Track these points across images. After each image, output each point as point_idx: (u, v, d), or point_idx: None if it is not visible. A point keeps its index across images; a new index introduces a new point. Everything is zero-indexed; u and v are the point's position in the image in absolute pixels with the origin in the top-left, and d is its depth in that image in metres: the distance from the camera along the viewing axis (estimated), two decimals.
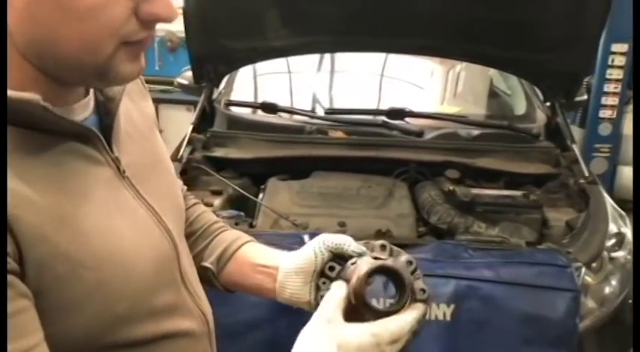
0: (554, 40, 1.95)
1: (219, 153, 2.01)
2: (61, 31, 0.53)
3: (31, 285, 0.52)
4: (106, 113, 0.64)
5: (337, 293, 0.66)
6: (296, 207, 1.74)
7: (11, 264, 0.51)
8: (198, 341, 0.71)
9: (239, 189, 1.82)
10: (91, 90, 0.64)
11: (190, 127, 2.07)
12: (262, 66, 2.49)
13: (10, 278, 0.50)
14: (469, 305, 1.31)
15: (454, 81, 2.82)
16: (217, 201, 1.81)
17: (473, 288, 1.32)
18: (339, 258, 0.75)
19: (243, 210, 1.78)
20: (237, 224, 1.66)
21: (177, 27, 6.73)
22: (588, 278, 1.44)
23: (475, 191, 1.80)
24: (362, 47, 2.20)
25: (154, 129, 0.75)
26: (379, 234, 1.58)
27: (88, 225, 0.57)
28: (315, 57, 2.61)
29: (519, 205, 1.74)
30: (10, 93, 0.53)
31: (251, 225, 1.69)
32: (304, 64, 2.61)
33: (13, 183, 0.52)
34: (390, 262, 0.68)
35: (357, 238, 1.48)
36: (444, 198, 1.77)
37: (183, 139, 2.01)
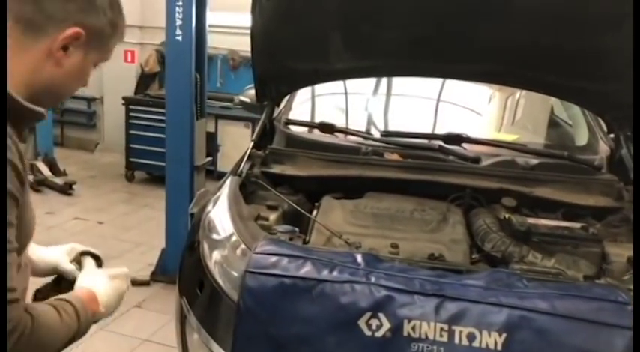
0: (620, 70, 1.91)
1: (276, 169, 2.08)
2: (69, 81, 1.03)
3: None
4: None
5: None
6: (349, 226, 1.77)
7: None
8: None
9: (294, 205, 1.87)
10: None
11: (251, 144, 2.15)
12: (320, 87, 2.56)
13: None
14: (521, 336, 1.29)
15: (512, 108, 2.79)
16: (273, 216, 1.86)
17: (526, 319, 1.30)
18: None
19: (297, 226, 1.82)
20: (291, 239, 1.71)
21: (239, 46, 6.95)
22: None
23: (531, 220, 1.77)
24: (422, 72, 2.23)
25: None
26: (432, 258, 1.59)
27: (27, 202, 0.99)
28: (372, 79, 2.66)
29: (578, 238, 1.70)
30: (32, 107, 0.95)
31: (304, 242, 1.73)
32: (361, 86, 2.66)
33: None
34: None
35: (409, 261, 1.50)
36: (498, 225, 1.76)
37: (244, 155, 2.09)
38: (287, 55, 2.09)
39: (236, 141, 5.67)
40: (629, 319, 1.30)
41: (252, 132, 5.72)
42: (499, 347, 1.28)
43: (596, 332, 1.28)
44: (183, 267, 1.87)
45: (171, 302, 3.27)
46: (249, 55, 6.54)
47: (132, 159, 5.79)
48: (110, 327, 3.10)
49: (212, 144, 5.51)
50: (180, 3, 3.20)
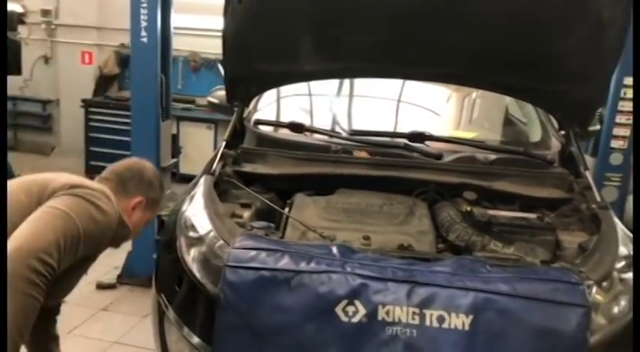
0: (571, 72, 2.07)
1: (248, 168, 2.13)
2: (134, 229, 1.97)
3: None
4: None
5: None
6: (322, 221, 1.84)
7: None
8: None
9: (268, 202, 1.93)
10: None
11: (223, 143, 2.19)
12: (286, 88, 2.62)
13: None
14: (486, 317, 1.40)
15: (470, 107, 2.93)
16: (247, 214, 1.92)
17: (490, 301, 1.41)
18: None
19: (270, 223, 1.88)
20: (267, 234, 1.77)
21: (200, 48, 6.92)
22: (599, 297, 1.52)
23: (491, 212, 1.89)
24: (388, 74, 2.33)
25: None
26: (401, 248, 1.68)
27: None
28: (336, 80, 2.74)
29: (534, 227, 1.83)
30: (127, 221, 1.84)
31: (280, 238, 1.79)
32: (325, 87, 2.74)
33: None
34: None
35: (381, 251, 1.59)
36: (461, 217, 1.86)
37: (216, 154, 2.13)
38: (258, 57, 2.14)
39: (198, 143, 5.66)
40: (581, 297, 1.43)
41: (215, 133, 5.76)
42: (466, 328, 1.38)
43: (552, 310, 1.41)
44: (159, 265, 1.89)
45: (139, 303, 3.30)
46: (210, 56, 6.55)
47: (92, 163, 5.69)
48: (77, 331, 3.07)
49: (174, 146, 5.47)
50: (145, 4, 3.20)
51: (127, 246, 3.66)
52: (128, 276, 3.62)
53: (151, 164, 1.95)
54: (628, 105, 3.34)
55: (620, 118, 3.36)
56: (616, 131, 3.39)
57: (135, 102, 3.43)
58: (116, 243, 1.84)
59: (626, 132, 3.36)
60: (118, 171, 1.85)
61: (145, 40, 3.25)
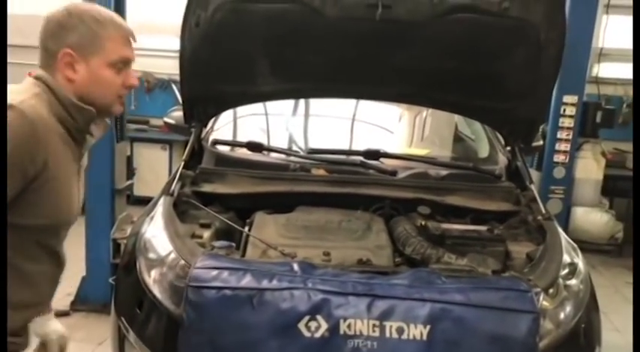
0: (513, 91, 2.20)
1: (207, 188, 2.14)
2: (94, 89, 1.32)
3: (35, 179, 1.22)
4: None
5: None
6: (282, 239, 1.87)
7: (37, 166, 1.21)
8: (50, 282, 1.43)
9: (228, 222, 1.94)
10: None
11: (181, 164, 2.20)
12: (243, 108, 2.65)
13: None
14: (443, 326, 1.45)
15: (421, 125, 3.04)
16: (207, 234, 1.92)
17: (446, 311, 1.47)
18: None
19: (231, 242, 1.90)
20: (228, 254, 1.78)
21: (153, 68, 6.83)
22: (546, 303, 1.61)
23: (445, 225, 1.97)
24: (342, 94, 2.40)
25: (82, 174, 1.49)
26: (360, 263, 1.73)
27: (66, 184, 1.32)
28: (293, 100, 2.80)
29: (485, 239, 1.91)
30: (78, 102, 1.29)
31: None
32: (282, 106, 2.79)
33: (52, 148, 1.24)
34: None
35: (341, 267, 1.63)
36: (416, 231, 1.93)
37: (175, 175, 2.13)
38: (215, 78, 2.17)
39: (153, 164, 5.57)
40: (531, 304, 1.52)
41: (170, 154, 5.69)
42: (424, 338, 1.44)
43: (504, 317, 1.48)
44: (119, 289, 1.87)
45: (95, 330, 3.21)
46: (163, 77, 6.51)
47: None
48: None
49: (128, 167, 5.38)
50: None
51: (80, 271, 3.55)
52: (82, 303, 3.51)
53: (72, 4, 1.34)
54: (567, 122, 3.54)
55: (561, 134, 3.56)
56: (558, 146, 3.58)
57: None
58: (81, 130, 1.32)
59: (567, 147, 3.55)
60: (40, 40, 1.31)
61: None
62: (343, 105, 2.78)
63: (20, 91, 1.24)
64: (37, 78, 1.28)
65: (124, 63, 1.33)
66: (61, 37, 1.27)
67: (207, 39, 1.97)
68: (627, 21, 5.34)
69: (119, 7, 3.32)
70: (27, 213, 1.23)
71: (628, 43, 5.32)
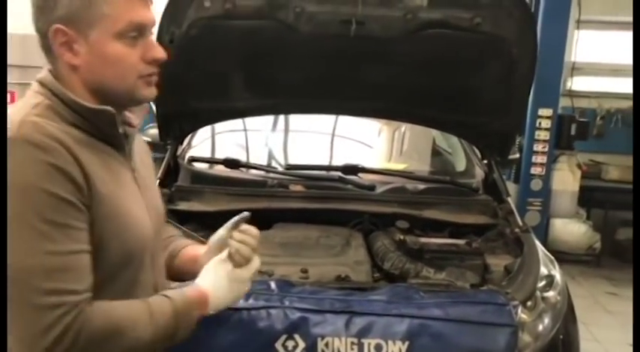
0: (488, 105, 2.22)
1: (183, 206, 2.11)
2: (104, 72, 0.97)
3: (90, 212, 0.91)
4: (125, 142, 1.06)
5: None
6: (260, 256, 1.85)
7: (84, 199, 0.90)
8: None
9: (203, 240, 1.90)
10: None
11: (157, 182, 2.16)
12: (220, 124, 2.63)
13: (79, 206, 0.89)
14: (422, 342, 1.44)
15: (400, 140, 3.06)
16: None
17: (425, 326, 1.46)
18: None
19: None
20: None
21: None
22: (524, 316, 1.61)
23: (423, 240, 1.97)
24: (318, 110, 2.41)
25: (152, 170, 1.19)
26: (339, 279, 1.71)
27: (123, 200, 0.98)
28: (271, 116, 2.79)
29: (463, 252, 1.92)
30: (90, 105, 0.96)
31: None
32: (260, 122, 2.78)
33: (85, 162, 0.91)
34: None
35: (319, 284, 1.61)
36: (395, 246, 1.93)
37: None
38: (190, 95, 2.15)
39: None
40: (509, 317, 1.51)
41: None
42: None
43: (483, 331, 1.47)
44: None
45: None
46: None
47: None
48: None
49: None
50: None
51: None
52: None
53: None
54: (543, 135, 3.60)
55: (537, 147, 3.61)
56: (534, 159, 3.64)
57: None
58: (109, 134, 1.00)
59: (543, 159, 3.61)
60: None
61: None
62: (322, 121, 2.78)
63: (18, 109, 0.94)
64: (39, 81, 0.98)
65: (138, 30, 0.96)
66: (47, 10, 0.93)
67: (181, 55, 1.95)
68: (598, 35, 5.48)
69: None
70: (97, 256, 0.93)
71: (599, 57, 5.48)
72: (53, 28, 0.93)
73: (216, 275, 1.08)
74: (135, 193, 1.03)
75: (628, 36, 5.47)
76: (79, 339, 0.86)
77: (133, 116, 1.08)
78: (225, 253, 1.12)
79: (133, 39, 0.96)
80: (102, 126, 0.97)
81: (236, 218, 1.18)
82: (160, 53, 1.00)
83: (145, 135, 2.81)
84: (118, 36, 0.95)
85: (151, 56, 0.99)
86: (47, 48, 0.97)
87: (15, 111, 0.93)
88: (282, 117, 2.81)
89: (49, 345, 0.83)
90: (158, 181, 2.18)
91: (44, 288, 0.84)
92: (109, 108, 0.97)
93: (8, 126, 0.89)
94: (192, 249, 1.26)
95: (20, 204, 0.84)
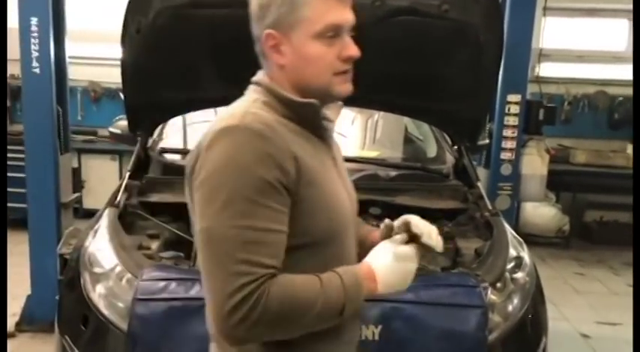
0: (456, 92, 2.25)
1: (154, 198, 2.09)
2: (304, 70, 1.05)
3: (296, 194, 0.99)
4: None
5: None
6: None
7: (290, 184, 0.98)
8: None
9: (176, 231, 1.90)
10: None
11: (127, 174, 2.14)
12: (193, 114, 2.60)
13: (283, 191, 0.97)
14: (395, 325, 1.47)
15: (373, 128, 3.08)
16: (155, 245, 1.88)
17: (397, 310, 1.48)
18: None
19: (181, 252, 1.86)
20: (176, 264, 1.74)
21: (100, 77, 6.64)
22: (494, 297, 1.65)
23: None
24: None
25: (343, 162, 1.24)
26: None
27: (328, 182, 1.07)
28: None
29: None
30: (298, 99, 1.05)
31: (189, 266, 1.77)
32: None
33: (296, 148, 1.00)
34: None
35: None
36: None
37: (120, 186, 2.07)
38: (159, 86, 2.12)
39: (102, 176, 5.41)
40: (479, 299, 1.55)
41: (120, 165, 5.55)
42: (376, 338, 1.45)
43: (454, 313, 1.51)
44: (62, 306, 1.80)
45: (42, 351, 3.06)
46: (111, 86, 6.28)
47: None
48: None
49: (76, 180, 5.20)
50: (36, 34, 3.06)
51: (25, 290, 3.40)
52: (28, 323, 3.35)
53: None
54: (512, 120, 3.65)
55: (506, 132, 3.67)
56: (504, 144, 3.69)
57: (28, 137, 3.23)
58: (315, 126, 1.10)
59: (513, 144, 3.66)
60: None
61: (37, 70, 3.09)
62: None
63: (240, 104, 1.08)
64: (255, 83, 1.12)
65: (335, 30, 1.04)
66: (261, 18, 1.06)
67: (149, 45, 1.93)
68: (564, 22, 5.58)
69: (58, 15, 3.21)
70: (305, 232, 1.02)
71: (567, 44, 5.59)
72: (265, 33, 1.06)
73: (383, 254, 1.07)
74: (336, 178, 1.13)
75: (594, 22, 5.60)
76: (256, 308, 0.92)
77: (330, 112, 1.15)
78: (397, 237, 1.10)
79: (330, 38, 1.05)
80: (309, 117, 1.08)
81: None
82: (355, 51, 1.08)
83: (114, 127, 2.76)
84: (316, 36, 1.04)
85: (346, 54, 1.07)
86: (261, 51, 1.09)
87: (237, 105, 1.07)
88: None
89: (230, 309, 0.92)
90: (129, 174, 2.16)
91: (238, 257, 0.93)
92: (314, 100, 1.06)
93: (231, 117, 1.00)
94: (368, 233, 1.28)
95: (232, 180, 0.95)
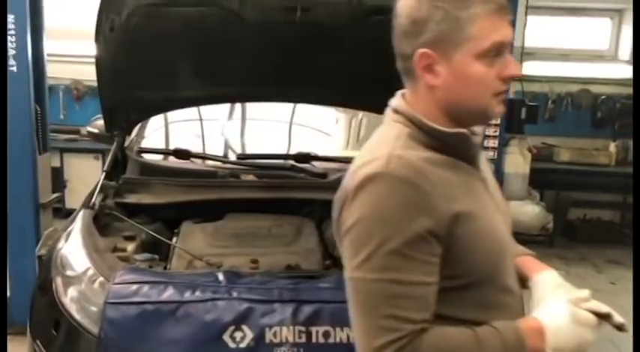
0: None
1: (131, 199, 2.06)
2: (462, 92, 0.97)
3: (451, 235, 0.92)
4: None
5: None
6: (210, 248, 1.83)
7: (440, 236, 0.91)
8: (515, 315, 1.04)
9: (152, 233, 1.88)
10: None
11: (103, 174, 2.11)
12: (173, 113, 2.58)
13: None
14: None
15: (357, 127, 3.07)
16: (130, 246, 1.85)
17: None
18: None
19: (157, 254, 1.83)
20: (151, 266, 1.72)
21: (82, 75, 6.55)
22: None
23: None
24: (268, 98, 2.38)
25: (489, 169, 1.14)
26: (289, 268, 1.71)
27: (481, 212, 0.98)
28: (226, 105, 2.75)
29: None
30: (445, 129, 0.97)
31: (165, 268, 1.75)
32: (215, 111, 2.73)
33: (446, 189, 0.93)
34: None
35: (268, 273, 1.60)
36: None
37: (96, 186, 2.04)
38: (134, 85, 2.09)
39: (85, 175, 5.33)
40: None
41: (103, 164, 5.48)
42: (351, 340, 1.43)
43: None
44: (34, 310, 1.77)
45: None
46: (94, 84, 6.22)
47: None
48: None
49: (58, 179, 5.13)
50: (13, 31, 3.00)
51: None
52: (7, 326, 3.31)
53: None
54: (495, 119, 3.68)
55: (489, 131, 3.69)
56: (487, 143, 3.72)
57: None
58: (463, 153, 1.03)
59: (495, 143, 3.69)
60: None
61: (14, 69, 3.04)
62: (280, 109, 2.76)
63: (382, 141, 0.98)
64: (394, 110, 1.03)
65: (499, 48, 0.96)
66: (413, 35, 0.97)
67: (123, 44, 1.90)
68: (547, 21, 5.61)
69: (36, 12, 3.15)
70: (466, 272, 0.96)
71: (549, 43, 5.61)
72: (419, 52, 0.96)
73: (560, 313, 0.97)
74: (488, 203, 1.05)
75: (576, 21, 5.63)
76: None
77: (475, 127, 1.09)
78: (578, 294, 1.00)
79: (492, 58, 0.97)
80: (459, 147, 1.01)
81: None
82: (517, 70, 1.00)
83: (92, 126, 2.73)
84: (479, 56, 0.96)
85: (508, 74, 0.98)
86: (407, 70, 1.00)
87: (380, 144, 0.98)
88: (239, 105, 2.77)
89: None
90: (105, 174, 2.12)
91: (384, 312, 0.89)
92: (463, 130, 1.00)
93: (376, 161, 0.93)
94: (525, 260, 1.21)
95: (377, 232, 0.90)
